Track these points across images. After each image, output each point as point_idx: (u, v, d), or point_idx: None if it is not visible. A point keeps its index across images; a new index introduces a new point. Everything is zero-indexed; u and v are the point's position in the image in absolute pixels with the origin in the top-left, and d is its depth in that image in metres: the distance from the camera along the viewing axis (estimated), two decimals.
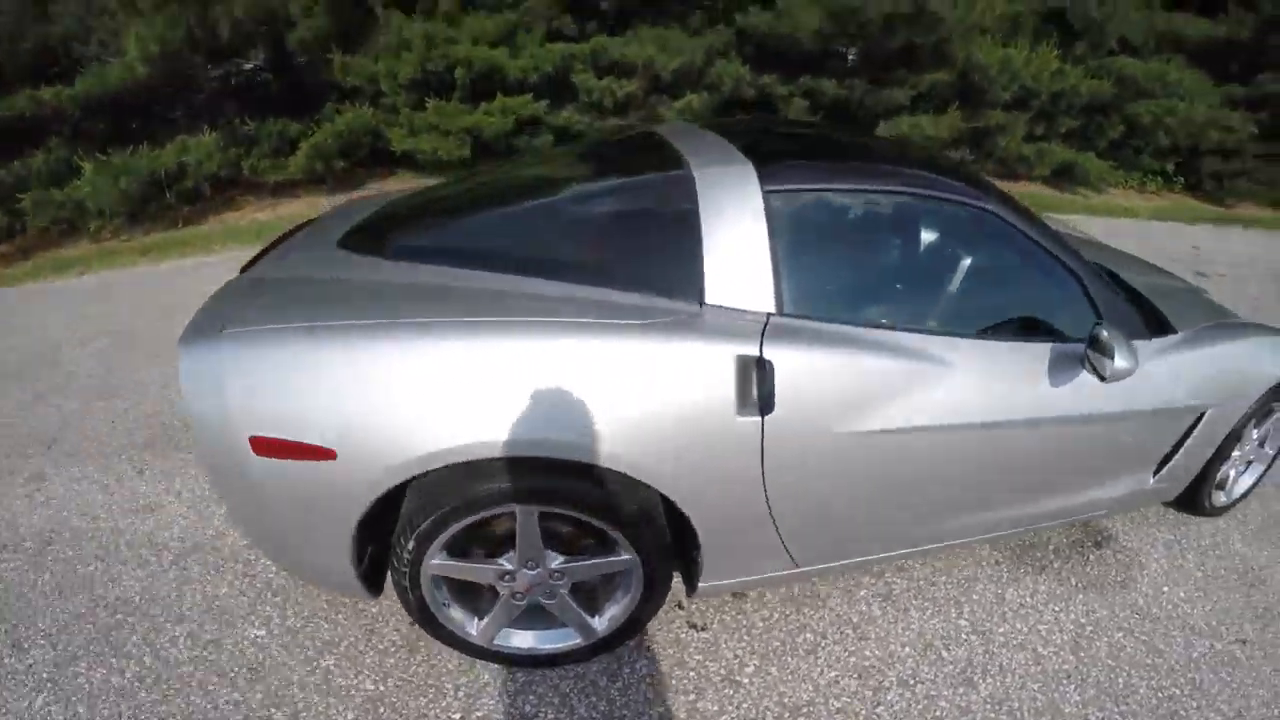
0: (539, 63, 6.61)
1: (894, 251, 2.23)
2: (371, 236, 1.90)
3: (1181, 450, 2.22)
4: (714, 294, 1.56)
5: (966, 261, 2.07)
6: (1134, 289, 2.37)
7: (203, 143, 6.30)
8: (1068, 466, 2.05)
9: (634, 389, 1.44)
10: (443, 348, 1.42)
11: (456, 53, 6.26)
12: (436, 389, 1.39)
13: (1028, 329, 1.89)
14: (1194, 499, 2.54)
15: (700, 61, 6.60)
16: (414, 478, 1.45)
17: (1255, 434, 2.54)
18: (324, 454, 1.37)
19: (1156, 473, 2.26)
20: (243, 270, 1.88)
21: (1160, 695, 1.94)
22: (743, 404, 1.47)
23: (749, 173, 1.67)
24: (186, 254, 5.74)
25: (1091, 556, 2.45)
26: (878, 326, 1.68)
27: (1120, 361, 1.64)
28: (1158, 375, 1.99)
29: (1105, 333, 1.68)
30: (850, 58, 6.99)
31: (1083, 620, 2.16)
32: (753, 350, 1.48)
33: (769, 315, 1.56)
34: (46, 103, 6.00)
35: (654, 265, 1.62)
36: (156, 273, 5.37)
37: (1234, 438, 2.36)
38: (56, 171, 6.19)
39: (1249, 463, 2.68)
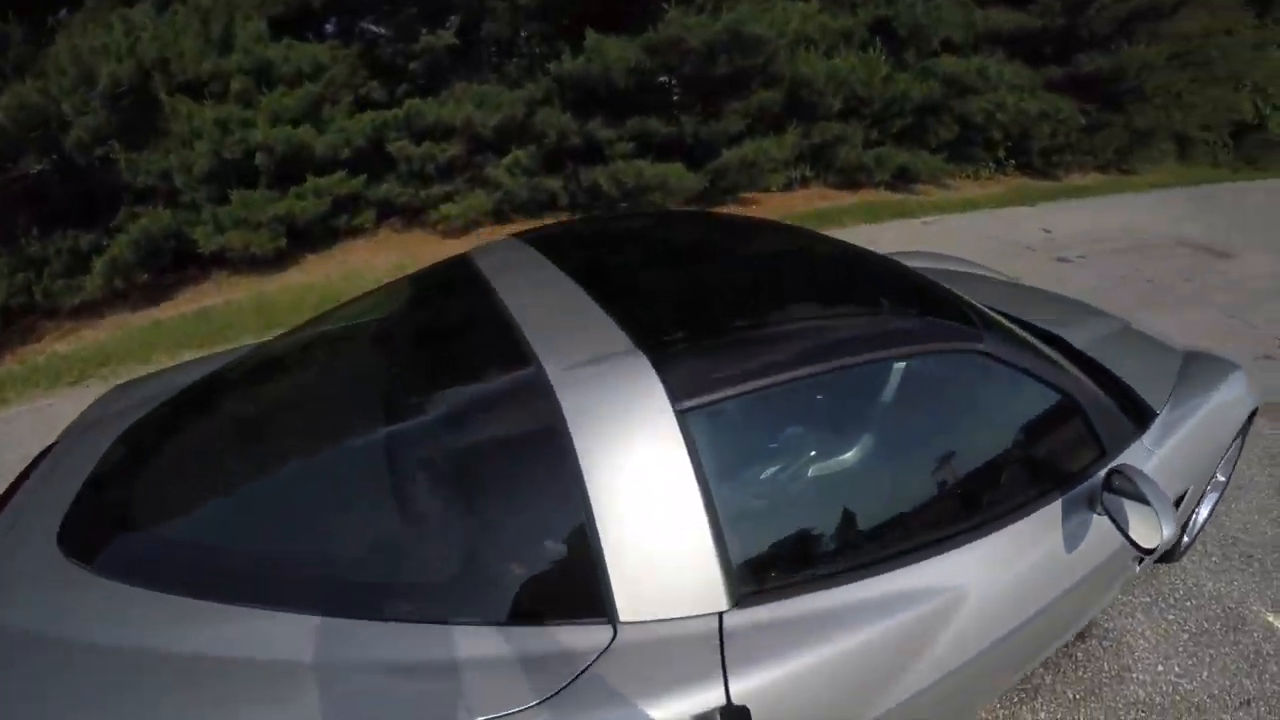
0: (349, 136, 6.20)
1: (862, 441, 1.50)
2: (92, 528, 1.28)
3: None
4: (631, 603, 1.00)
5: (944, 424, 1.56)
6: (1096, 364, 2.07)
7: None
8: (1074, 610, 1.72)
9: None
10: None
11: (254, 137, 5.73)
12: None
13: (1026, 483, 1.51)
14: (1165, 554, 2.43)
15: (521, 114, 6.29)
16: None
17: (1217, 474, 2.41)
18: None
19: (1141, 562, 2.05)
20: None
21: None
22: None
23: (643, 375, 1.10)
24: None
25: (1079, 655, 2.24)
26: (875, 562, 1.22)
27: (1167, 528, 1.31)
28: (1149, 470, 1.70)
29: (1133, 481, 1.35)
30: (674, 88, 6.83)
31: None
32: (717, 697, 0.96)
33: (721, 615, 1.04)
34: None
35: (513, 570, 1.07)
36: None
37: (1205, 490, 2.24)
38: None
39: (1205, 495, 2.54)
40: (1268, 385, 4.02)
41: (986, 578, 1.31)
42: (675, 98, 6.89)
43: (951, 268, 3.23)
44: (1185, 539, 2.48)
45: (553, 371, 1.11)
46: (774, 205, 7.60)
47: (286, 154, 5.91)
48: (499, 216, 6.65)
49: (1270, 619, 2.40)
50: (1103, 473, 1.47)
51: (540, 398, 1.09)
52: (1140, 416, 1.84)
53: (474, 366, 1.37)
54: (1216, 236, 8.16)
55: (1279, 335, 4.94)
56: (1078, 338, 2.24)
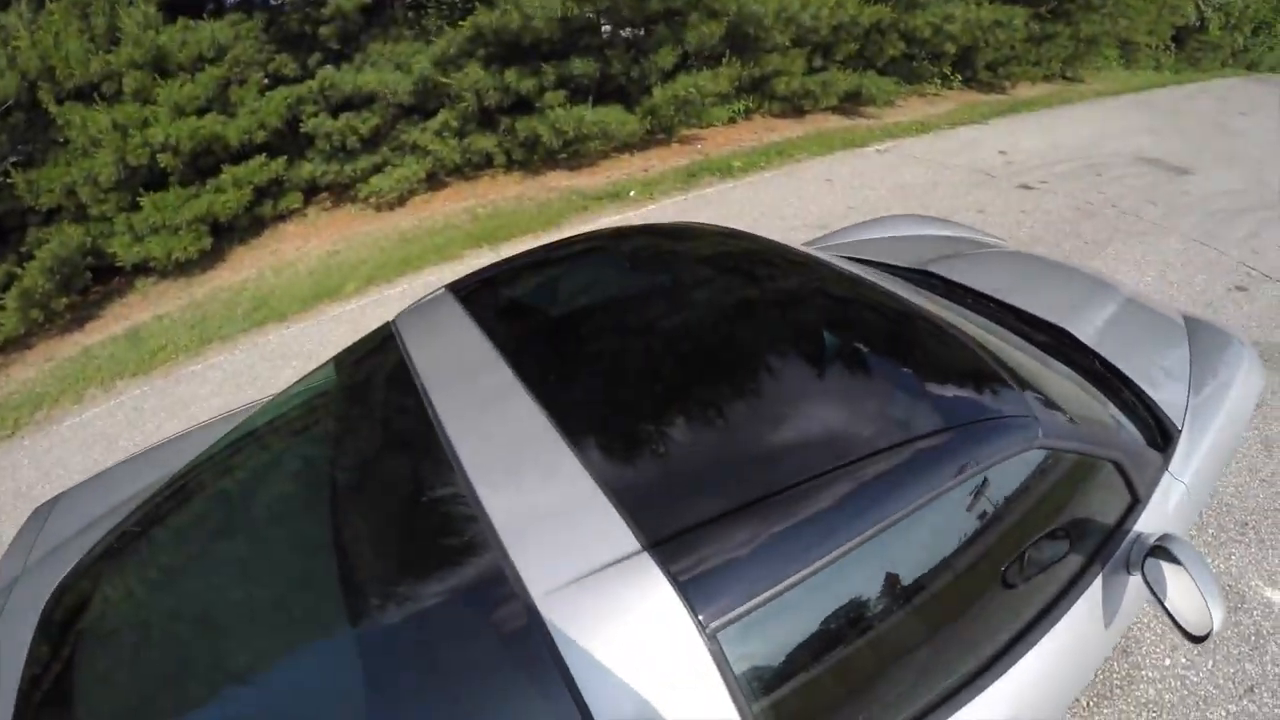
0: (263, 118, 5.77)
1: (917, 597, 1.17)
2: None
3: None
4: None
5: (1004, 544, 1.26)
6: (1111, 368, 1.94)
7: None
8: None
9: None
10: None
11: (155, 135, 5.26)
12: None
13: (1074, 564, 1.35)
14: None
15: (438, 74, 5.88)
16: None
17: None
18: None
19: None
20: None
21: None
22: None
23: (664, 596, 0.86)
24: None
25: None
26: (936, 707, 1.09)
27: (1217, 615, 1.22)
28: (1183, 512, 1.61)
29: (1178, 556, 1.26)
30: (605, 30, 6.43)
31: None
32: None
33: None
34: None
35: None
36: None
37: None
38: None
39: None
40: (1243, 321, 3.99)
41: (1042, 685, 1.23)
42: (605, 37, 6.50)
43: (932, 232, 3.10)
44: None
45: (537, 593, 0.87)
46: (720, 141, 7.31)
47: (196, 148, 5.48)
48: (434, 183, 6.29)
49: (1269, 594, 2.34)
50: (1142, 534, 1.38)
51: (522, 620, 0.86)
52: (1164, 436, 1.70)
53: (420, 570, 1.04)
54: (1171, 149, 8.12)
55: (1248, 263, 4.89)
56: (1084, 328, 2.10)
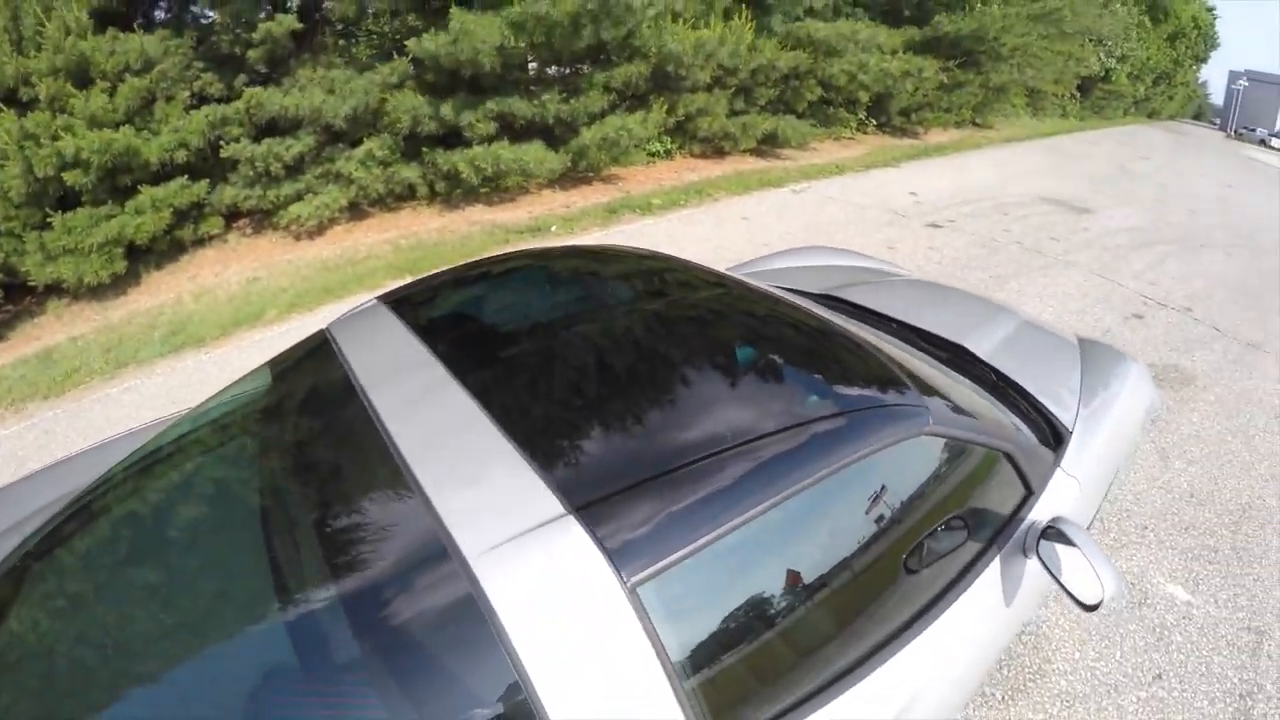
0: (185, 137, 5.72)
1: (820, 564, 1.29)
2: None
3: None
4: None
5: (898, 521, 1.39)
6: (1006, 379, 2.10)
7: None
8: (1010, 637, 1.74)
9: None
10: None
11: (66, 147, 5.09)
12: None
13: (971, 548, 1.48)
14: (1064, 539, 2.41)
15: (375, 101, 6.02)
16: None
17: None
18: None
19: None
20: None
21: None
22: None
23: (586, 552, 0.94)
24: None
25: (1005, 660, 2.26)
26: (841, 677, 1.20)
27: (1109, 584, 1.35)
28: (1075, 504, 1.73)
29: (1070, 536, 1.39)
30: (531, 66, 6.68)
31: None
32: None
33: None
34: None
35: None
36: None
37: None
38: None
39: None
40: (1140, 346, 4.37)
41: (939, 659, 1.33)
42: (531, 74, 6.74)
43: (843, 262, 3.30)
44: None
45: (471, 554, 0.94)
46: (640, 179, 7.65)
47: (109, 163, 5.33)
48: (356, 212, 6.40)
49: (1171, 589, 2.49)
50: (1035, 521, 1.51)
51: (459, 585, 0.93)
52: (1056, 437, 1.86)
53: (360, 541, 1.09)
54: (1074, 190, 8.78)
55: (1144, 294, 5.31)
56: (980, 345, 2.26)
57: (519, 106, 6.38)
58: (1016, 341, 2.42)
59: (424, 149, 6.34)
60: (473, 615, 0.89)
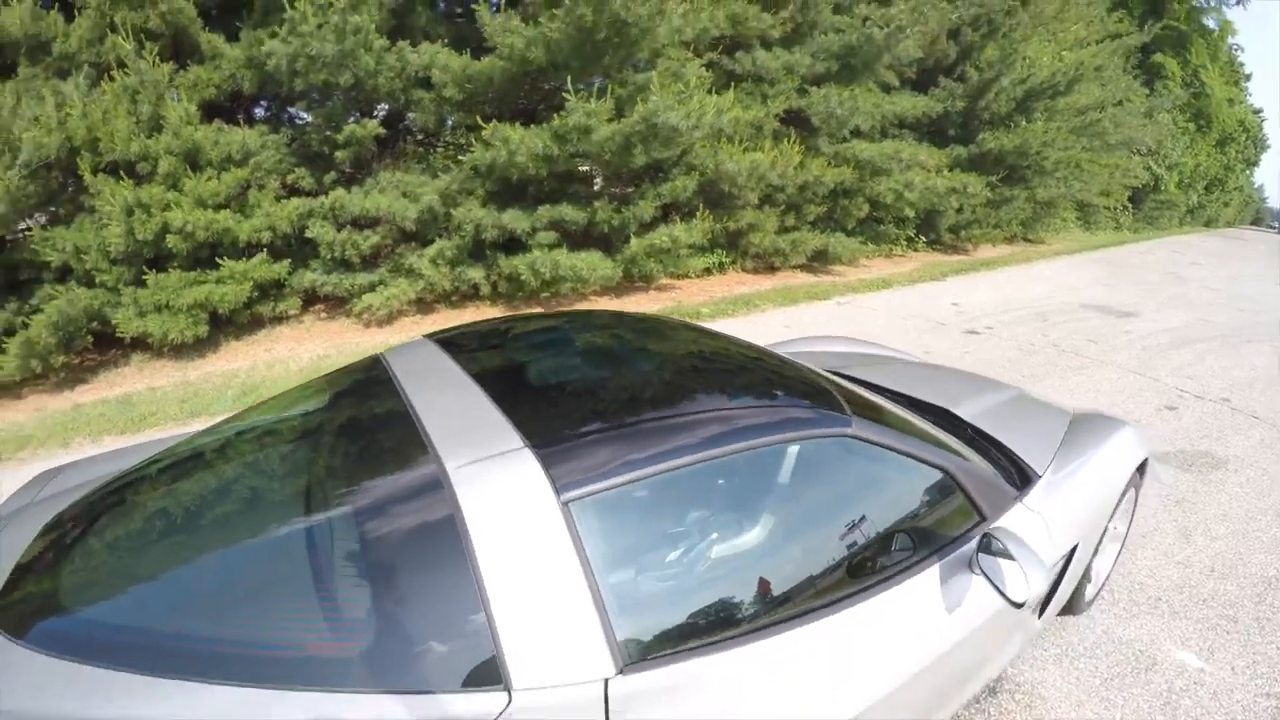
0: (274, 221, 6.33)
1: (742, 522, 1.71)
2: (19, 603, 1.39)
3: (1061, 585, 2.15)
4: (523, 671, 1.14)
5: (823, 502, 1.77)
6: (981, 433, 2.32)
7: None
8: (970, 666, 1.85)
9: None
10: None
11: (174, 218, 5.77)
12: None
13: (908, 549, 1.69)
14: (1070, 606, 2.49)
15: (441, 206, 6.59)
16: None
17: (1112, 525, 2.54)
18: None
19: (1041, 613, 2.14)
20: None
21: None
22: None
23: (530, 470, 1.29)
24: None
25: (992, 710, 2.30)
26: (753, 631, 1.38)
27: (1035, 582, 1.50)
28: (1037, 539, 1.87)
29: (1002, 542, 1.56)
30: (596, 181, 7.20)
31: None
32: None
33: (607, 681, 1.19)
34: None
35: (418, 641, 1.18)
36: None
37: (1100, 541, 2.36)
38: None
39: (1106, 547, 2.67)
40: (1170, 434, 4.38)
41: (865, 640, 1.47)
42: (596, 187, 7.26)
43: (854, 349, 3.50)
44: (1090, 591, 2.58)
45: (451, 468, 1.30)
46: (692, 291, 8.06)
47: (209, 239, 6.00)
48: (423, 306, 6.88)
49: (1181, 656, 2.48)
50: (977, 537, 1.66)
51: (440, 491, 1.28)
52: (1023, 479, 2.04)
53: (383, 463, 1.56)
54: (1119, 297, 8.86)
55: (1181, 387, 5.28)
56: (967, 410, 2.45)
57: (570, 213, 6.85)
58: (1005, 407, 2.64)
59: (488, 251, 6.84)
60: (447, 508, 1.25)
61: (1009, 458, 2.19)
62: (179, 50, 6.26)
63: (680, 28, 6.96)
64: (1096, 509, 2.22)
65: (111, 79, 5.82)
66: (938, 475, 1.76)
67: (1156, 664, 2.45)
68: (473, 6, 6.68)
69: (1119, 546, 2.79)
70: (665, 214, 7.58)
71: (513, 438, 1.37)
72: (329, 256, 6.49)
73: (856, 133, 9.38)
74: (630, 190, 7.47)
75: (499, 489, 1.27)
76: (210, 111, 6.37)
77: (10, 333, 5.58)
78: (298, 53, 5.94)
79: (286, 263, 6.44)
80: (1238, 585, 2.90)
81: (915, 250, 11.10)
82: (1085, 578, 2.47)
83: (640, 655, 1.25)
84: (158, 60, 5.90)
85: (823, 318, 7.36)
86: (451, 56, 6.54)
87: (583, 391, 1.75)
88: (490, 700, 1.11)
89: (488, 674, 1.13)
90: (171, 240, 5.83)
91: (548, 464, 1.30)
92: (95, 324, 5.98)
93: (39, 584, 1.46)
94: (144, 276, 5.91)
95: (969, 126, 11.25)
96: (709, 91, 7.65)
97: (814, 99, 8.59)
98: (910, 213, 10.18)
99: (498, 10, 6.73)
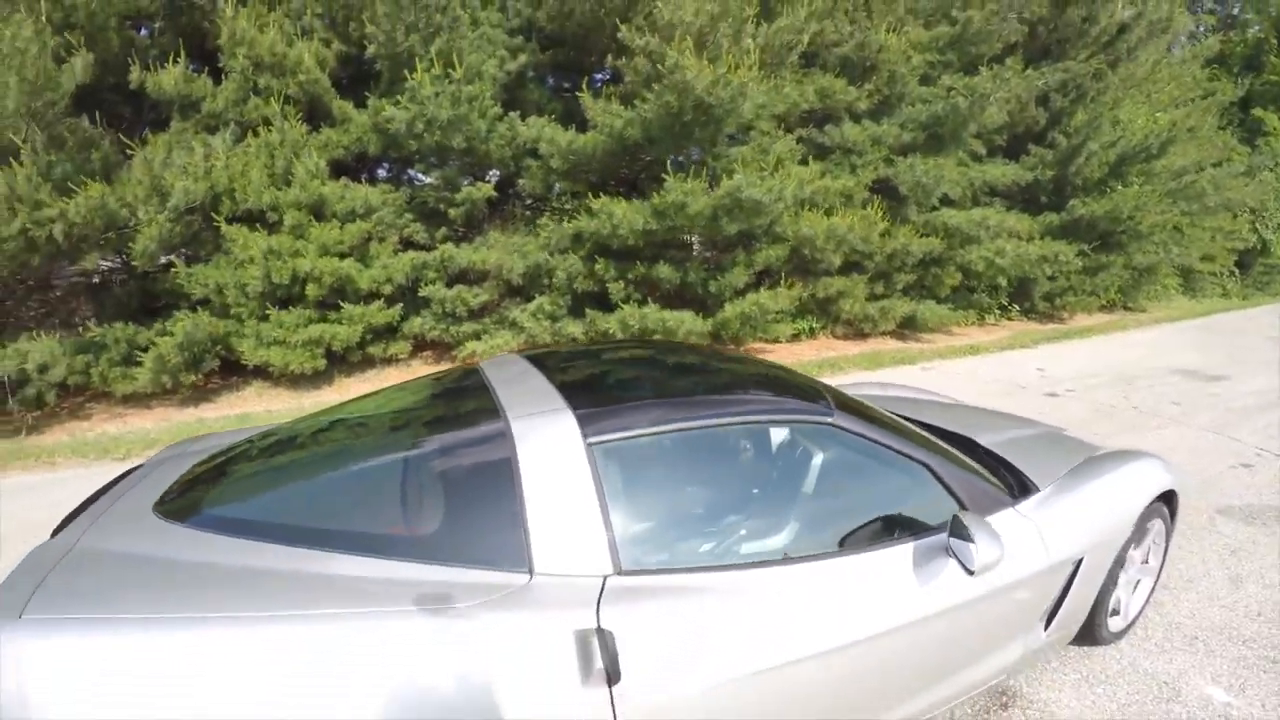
0: (391, 273, 6.95)
1: (735, 484, 2.28)
2: (185, 502, 1.90)
3: (1067, 599, 2.25)
4: (543, 561, 1.53)
5: (811, 478, 2.18)
6: (992, 454, 2.55)
7: (47, 344, 6.00)
8: (954, 652, 2.01)
9: (460, 678, 1.37)
10: (248, 651, 1.33)
11: (301, 265, 6.45)
12: (245, 694, 1.30)
13: (889, 530, 1.92)
14: (1091, 633, 2.55)
15: (545, 263, 7.12)
16: None
17: (1136, 554, 2.63)
18: None
19: (1047, 626, 2.26)
20: (54, 534, 1.87)
21: None
22: (586, 676, 1.43)
23: (568, 422, 1.73)
24: (29, 468, 5.43)
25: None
26: (725, 567, 1.72)
27: (985, 553, 1.72)
28: (1027, 541, 2.05)
29: (965, 522, 1.76)
30: (695, 247, 7.62)
31: None
32: (590, 621, 1.46)
33: (605, 578, 1.55)
34: None
35: (475, 534, 1.61)
36: None
37: (1117, 567, 2.44)
38: None
39: (1136, 582, 2.74)
40: (1239, 490, 4.28)
41: (833, 585, 1.75)
42: (694, 253, 7.68)
43: (907, 395, 3.74)
44: (1120, 622, 2.66)
45: (512, 419, 1.80)
46: (780, 354, 8.29)
47: (333, 284, 6.67)
48: None
49: (1209, 690, 2.48)
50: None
51: (503, 435, 1.74)
52: (1024, 491, 2.25)
53: (466, 419, 2.09)
54: (1211, 362, 8.49)
55: (1261, 446, 5.13)
56: (988, 438, 2.69)
57: (665, 272, 7.34)
58: (1030, 440, 2.84)
59: (586, 309, 7.31)
60: (507, 447, 1.70)
61: (1014, 474, 2.39)
62: (313, 114, 7.07)
63: (765, 105, 7.44)
64: (1104, 528, 2.33)
65: (256, 134, 6.62)
66: (920, 469, 2.03)
67: (1180, 696, 2.44)
68: (576, 94, 7.35)
69: (1153, 582, 2.82)
70: (758, 280, 7.92)
71: (559, 403, 1.83)
72: (439, 310, 7.07)
73: (947, 201, 9.52)
74: (723, 255, 7.86)
75: (544, 433, 1.73)
76: (338, 170, 7.13)
77: (146, 349, 6.29)
78: (416, 117, 6.64)
79: (399, 308, 7.03)
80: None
81: (1009, 319, 10.98)
82: (1106, 606, 2.53)
83: (634, 566, 1.62)
84: (295, 122, 6.69)
85: (906, 381, 7.36)
86: (557, 131, 7.16)
87: (619, 380, 2.37)
88: (518, 578, 1.53)
89: (519, 560, 1.55)
90: (310, 289, 6.54)
91: (581, 420, 1.74)
92: (221, 349, 6.69)
93: (194, 494, 1.98)
94: (267, 312, 6.59)
95: (1061, 193, 11.15)
96: (800, 162, 8.05)
97: (900, 169, 8.83)
98: (1002, 281, 10.14)
99: (598, 94, 7.35)
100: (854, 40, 8.47)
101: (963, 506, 1.99)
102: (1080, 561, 2.23)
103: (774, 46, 7.45)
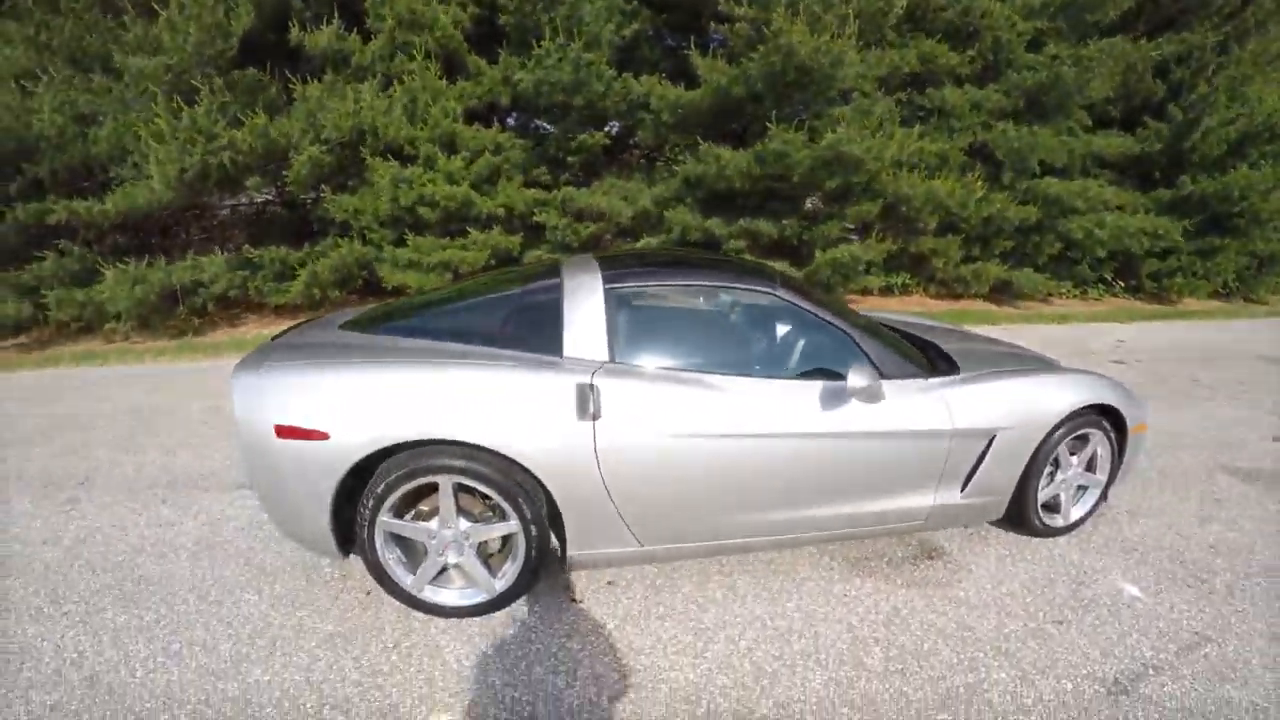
0: (510, 201, 7.86)
1: (698, 323, 3.32)
2: (360, 322, 3.00)
3: (981, 469, 2.84)
4: (570, 350, 2.55)
5: (755, 328, 3.25)
6: (942, 352, 3.23)
7: (214, 261, 7.36)
8: (859, 475, 2.69)
9: (518, 402, 2.36)
10: (399, 374, 2.40)
11: (426, 191, 7.44)
12: (395, 398, 2.34)
13: (813, 374, 2.70)
14: (1023, 518, 3.07)
15: (654, 209, 7.98)
16: (378, 455, 2.34)
17: (1075, 460, 3.11)
18: (320, 435, 2.30)
19: (964, 489, 2.86)
20: (273, 339, 2.89)
21: (962, 656, 2.38)
22: (582, 413, 2.38)
23: (595, 275, 2.71)
24: (196, 358, 6.63)
25: (922, 565, 2.88)
26: (678, 369, 2.61)
27: (854, 379, 2.48)
28: (929, 404, 2.73)
29: (853, 367, 2.53)
30: (807, 202, 8.31)
31: (899, 606, 2.65)
32: (588, 380, 2.42)
33: (602, 363, 2.53)
34: (79, 214, 7.06)
35: (535, 336, 2.62)
36: (172, 370, 6.24)
37: (1043, 459, 2.94)
38: (78, 275, 7.17)
39: (1081, 488, 3.21)
40: (1259, 457, 4.33)
41: (755, 393, 2.58)
42: (798, 206, 8.35)
43: (915, 320, 4.31)
44: (1060, 520, 3.15)
45: (565, 276, 2.76)
46: (869, 306, 8.63)
47: (454, 209, 7.56)
48: None
49: (1122, 584, 2.82)
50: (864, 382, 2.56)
51: (560, 286, 2.71)
52: (948, 370, 2.96)
53: (543, 275, 2.94)
54: None
55: None
56: (954, 348, 3.34)
57: (763, 226, 8.04)
58: (999, 355, 3.46)
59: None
60: (560, 291, 2.70)
61: (943, 358, 3.13)
62: (450, 68, 8.02)
63: (865, 72, 7.95)
64: (1018, 414, 2.87)
65: (401, 81, 7.56)
66: (844, 338, 2.76)
67: (1094, 581, 2.79)
68: (685, 51, 8.11)
69: (1099, 493, 3.21)
70: (853, 234, 8.49)
71: (595, 268, 2.77)
72: (555, 240, 8.00)
73: (1050, 170, 9.60)
74: (822, 209, 8.46)
75: (579, 280, 2.69)
76: (471, 117, 8.04)
77: (298, 268, 7.42)
78: (541, 80, 7.53)
79: (521, 236, 7.97)
80: (1227, 560, 3.06)
81: (1114, 295, 10.79)
82: (1034, 494, 3.02)
83: (620, 360, 2.56)
84: (434, 75, 7.61)
85: None
86: (667, 88, 7.93)
87: (644, 264, 3.17)
88: (555, 360, 2.51)
89: (557, 349, 2.55)
90: (423, 210, 7.45)
91: (605, 276, 2.69)
92: (365, 273, 7.74)
93: (372, 316, 3.08)
94: (404, 238, 7.60)
95: (1176, 169, 10.77)
96: (900, 124, 8.51)
97: (995, 135, 9.07)
98: (1101, 252, 10.05)
99: (706, 53, 8.08)
100: (959, 5, 8.80)
101: (878, 370, 2.66)
102: (993, 438, 2.82)
103: (869, 12, 7.94)
